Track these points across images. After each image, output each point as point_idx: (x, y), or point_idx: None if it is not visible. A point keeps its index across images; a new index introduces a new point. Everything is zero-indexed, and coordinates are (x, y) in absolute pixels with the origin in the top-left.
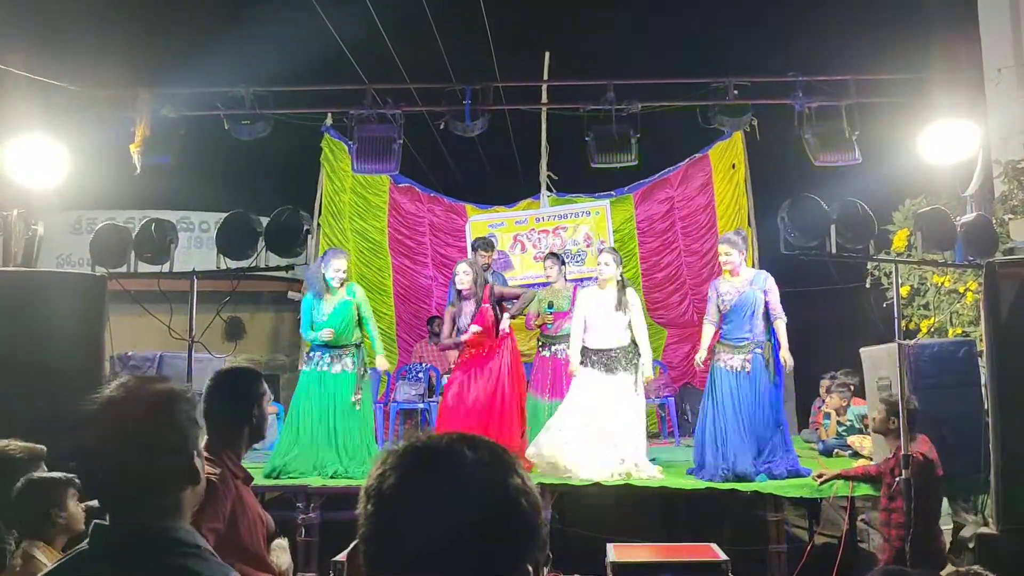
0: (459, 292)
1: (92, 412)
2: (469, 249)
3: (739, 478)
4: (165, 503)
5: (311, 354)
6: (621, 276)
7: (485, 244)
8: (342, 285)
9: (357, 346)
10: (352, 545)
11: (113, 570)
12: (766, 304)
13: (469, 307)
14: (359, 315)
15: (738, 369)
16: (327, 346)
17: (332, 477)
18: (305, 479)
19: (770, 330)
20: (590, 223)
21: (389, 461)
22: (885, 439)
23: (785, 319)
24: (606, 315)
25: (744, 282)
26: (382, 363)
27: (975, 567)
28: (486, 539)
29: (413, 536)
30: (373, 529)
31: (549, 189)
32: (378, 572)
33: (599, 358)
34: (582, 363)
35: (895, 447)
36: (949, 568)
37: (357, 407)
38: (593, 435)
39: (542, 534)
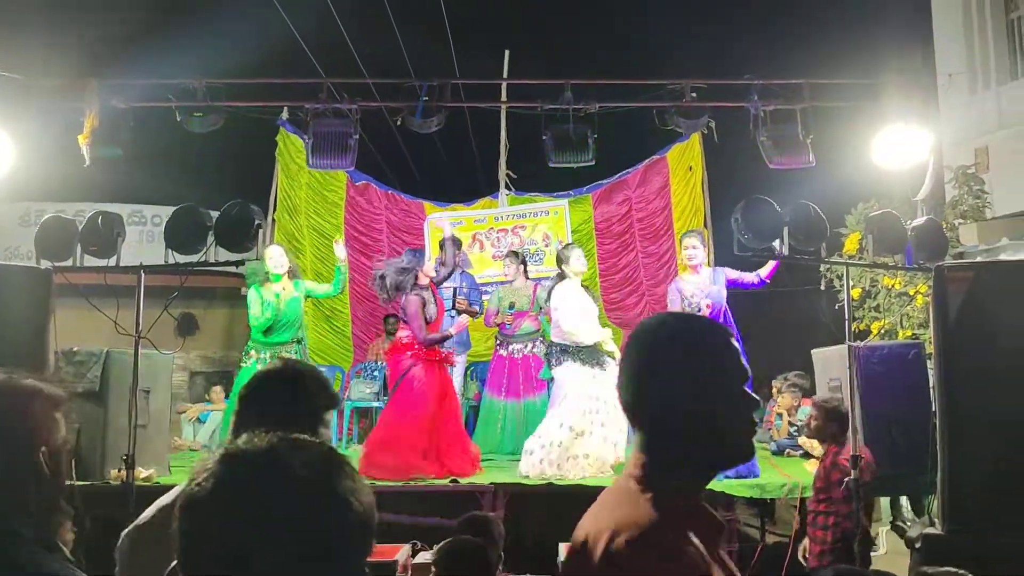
0: (417, 281)
1: None
2: (427, 247)
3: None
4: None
5: (250, 350)
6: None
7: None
8: (289, 276)
9: (299, 342)
10: (169, 569)
11: None
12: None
13: (430, 296)
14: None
15: None
16: (268, 343)
17: None
18: None
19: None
20: (549, 223)
21: (204, 469)
22: (820, 444)
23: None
24: (592, 309)
25: (707, 281)
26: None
27: (951, 568)
28: (316, 544)
29: (233, 547)
30: (190, 545)
31: (508, 188)
32: None
33: (592, 355)
34: (573, 361)
35: (828, 451)
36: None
37: None
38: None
39: (371, 538)
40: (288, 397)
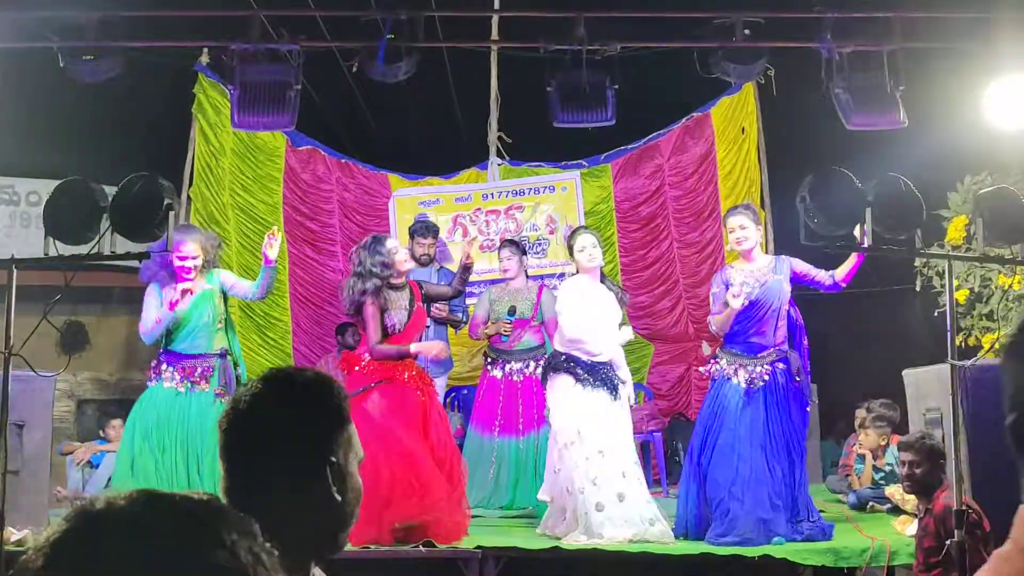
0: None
1: None
2: (393, 234)
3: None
4: None
5: (159, 365)
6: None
7: (425, 228)
8: (199, 273)
9: (221, 356)
10: None
11: None
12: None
13: (402, 299)
14: (226, 305)
15: (757, 385)
16: (179, 354)
17: None
18: None
19: (793, 341)
20: (555, 201)
21: (42, 537)
22: (920, 496)
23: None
24: (608, 313)
25: (764, 270)
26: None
27: None
28: None
29: None
30: None
31: (501, 155)
32: None
33: (604, 374)
34: (577, 381)
35: (937, 496)
36: None
37: None
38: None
39: None
40: (293, 426)
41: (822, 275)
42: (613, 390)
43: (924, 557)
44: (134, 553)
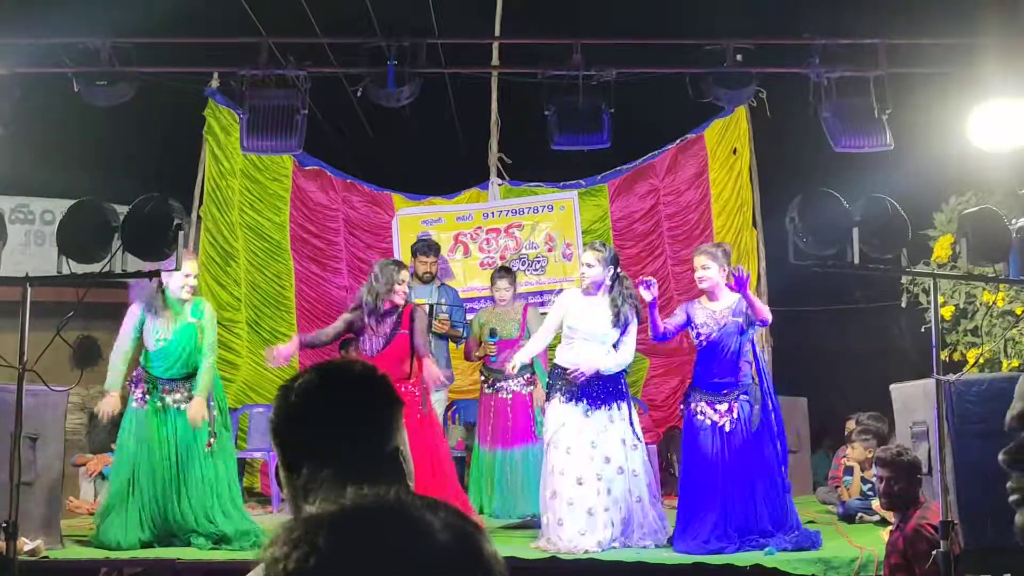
0: (375, 303)
1: None
2: (397, 252)
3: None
4: None
5: (140, 385)
6: (616, 278)
7: (427, 247)
8: (190, 298)
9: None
10: None
11: None
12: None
13: (383, 326)
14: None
15: (721, 424)
16: (161, 379)
17: (196, 546)
18: (173, 550)
19: (757, 371)
20: (553, 220)
21: (292, 540)
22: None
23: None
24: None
25: (724, 312)
26: (195, 409)
27: None
28: None
29: None
30: None
31: (501, 176)
32: None
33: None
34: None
35: (909, 513)
36: None
37: (208, 448)
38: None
39: None
40: (363, 416)
41: (759, 308)
42: (594, 401)
43: (890, 572)
44: (424, 554)
